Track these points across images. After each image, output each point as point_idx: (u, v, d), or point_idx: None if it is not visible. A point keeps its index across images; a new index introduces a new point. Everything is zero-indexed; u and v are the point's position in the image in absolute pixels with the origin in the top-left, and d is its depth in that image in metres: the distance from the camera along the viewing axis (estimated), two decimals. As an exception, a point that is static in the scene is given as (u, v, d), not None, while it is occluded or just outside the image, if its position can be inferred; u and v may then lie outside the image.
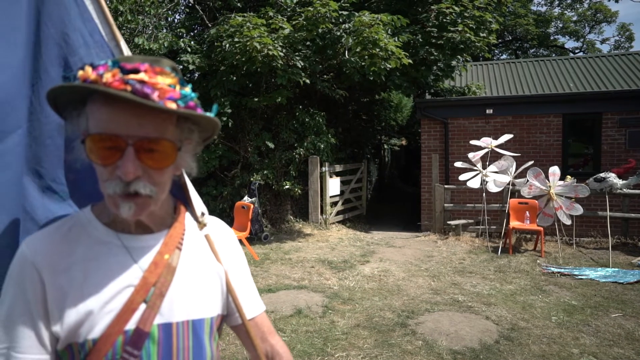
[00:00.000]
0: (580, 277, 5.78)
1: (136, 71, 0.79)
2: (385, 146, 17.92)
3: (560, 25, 25.05)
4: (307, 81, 8.12)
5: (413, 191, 15.10)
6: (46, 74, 1.03)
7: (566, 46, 26.63)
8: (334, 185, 9.55)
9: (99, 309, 0.84)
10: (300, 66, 7.92)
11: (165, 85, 0.80)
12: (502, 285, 5.50)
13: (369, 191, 13.36)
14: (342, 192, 10.02)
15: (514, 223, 7.30)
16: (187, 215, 1.02)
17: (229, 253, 1.05)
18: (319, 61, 8.31)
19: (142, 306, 0.87)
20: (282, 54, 7.53)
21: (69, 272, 0.86)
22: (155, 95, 0.78)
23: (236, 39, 7.49)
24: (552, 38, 24.87)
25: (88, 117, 0.82)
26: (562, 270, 6.09)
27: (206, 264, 0.98)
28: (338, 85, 9.18)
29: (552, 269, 6.17)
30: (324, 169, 9.24)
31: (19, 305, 0.84)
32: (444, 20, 8.44)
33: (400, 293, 5.25)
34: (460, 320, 4.37)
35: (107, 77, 0.78)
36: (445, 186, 8.63)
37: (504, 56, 24.81)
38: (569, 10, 25.20)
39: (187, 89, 0.84)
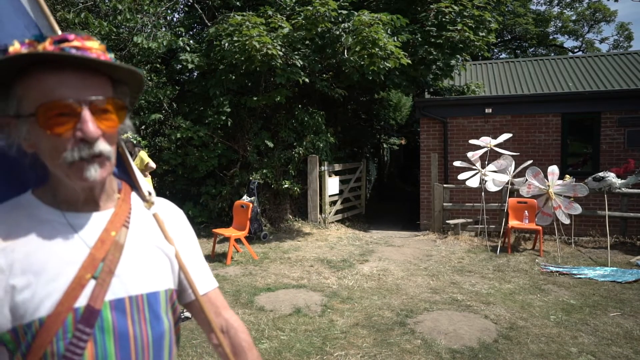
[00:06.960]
0: (578, 276, 5.78)
1: (66, 40, 0.77)
2: (385, 145, 17.91)
3: (560, 24, 25.06)
4: (306, 80, 8.12)
5: (412, 190, 15.10)
6: None
7: (565, 45, 26.70)
8: (333, 185, 9.55)
9: (43, 286, 0.81)
10: (299, 65, 7.92)
11: (99, 48, 0.80)
12: (501, 285, 5.51)
13: (368, 190, 13.36)
14: (341, 192, 10.02)
15: (513, 222, 7.30)
16: (134, 195, 1.01)
17: (178, 231, 1.05)
18: (318, 60, 8.30)
19: (92, 282, 0.83)
20: (281, 53, 7.53)
21: (6, 253, 0.82)
22: (94, 56, 0.78)
23: (235, 38, 7.48)
24: (551, 37, 24.87)
25: (21, 97, 0.80)
26: (561, 269, 6.09)
27: (155, 241, 0.96)
28: (337, 84, 9.16)
29: (551, 268, 6.18)
30: (323, 168, 9.24)
31: None
32: (443, 19, 8.44)
33: (399, 292, 5.25)
34: (459, 320, 4.38)
35: (41, 47, 0.76)
36: (445, 185, 8.63)
37: (503, 55, 24.80)
38: (568, 9, 25.22)
39: (112, 55, 0.84)
